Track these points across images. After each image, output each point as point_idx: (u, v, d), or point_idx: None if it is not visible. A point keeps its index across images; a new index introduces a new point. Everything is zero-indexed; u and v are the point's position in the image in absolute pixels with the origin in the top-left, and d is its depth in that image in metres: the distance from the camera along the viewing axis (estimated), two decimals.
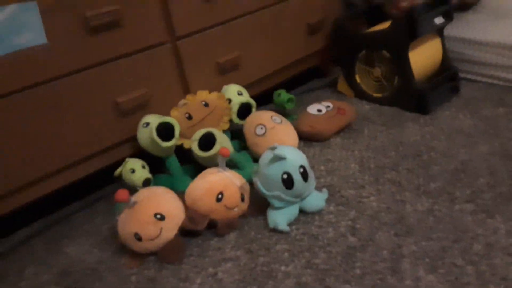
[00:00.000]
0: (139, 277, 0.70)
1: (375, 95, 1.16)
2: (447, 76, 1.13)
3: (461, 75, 1.18)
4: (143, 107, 0.90)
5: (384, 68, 1.12)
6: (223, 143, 0.85)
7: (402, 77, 1.08)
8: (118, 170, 0.84)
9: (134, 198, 0.72)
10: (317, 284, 0.64)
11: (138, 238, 0.70)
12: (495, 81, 1.15)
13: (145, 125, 0.87)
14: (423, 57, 1.10)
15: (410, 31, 1.03)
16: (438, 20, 1.09)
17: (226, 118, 0.94)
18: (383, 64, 1.12)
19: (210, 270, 0.69)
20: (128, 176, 0.82)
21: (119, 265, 0.73)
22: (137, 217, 0.70)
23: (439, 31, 1.15)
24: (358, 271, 0.65)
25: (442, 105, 1.10)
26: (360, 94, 1.20)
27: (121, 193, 0.68)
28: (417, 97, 1.07)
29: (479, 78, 1.18)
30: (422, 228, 0.71)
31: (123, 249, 0.75)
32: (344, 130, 1.06)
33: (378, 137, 1.01)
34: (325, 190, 0.83)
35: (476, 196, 0.77)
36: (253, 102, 0.98)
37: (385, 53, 1.09)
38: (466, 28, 1.20)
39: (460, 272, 0.62)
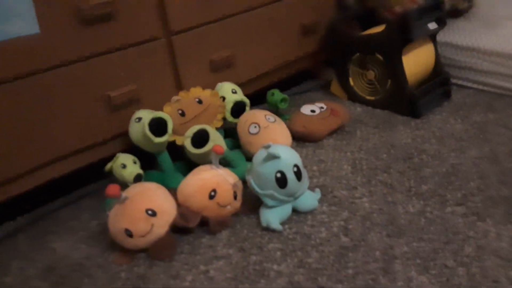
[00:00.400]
0: (128, 274, 0.69)
1: (367, 97, 1.17)
2: (439, 81, 1.14)
3: (453, 80, 1.20)
4: (135, 102, 0.89)
5: (377, 71, 1.13)
6: (217, 140, 0.84)
7: (395, 80, 1.09)
8: (109, 165, 0.82)
9: (125, 193, 0.70)
10: (309, 283, 0.63)
11: (129, 234, 0.68)
12: (486, 88, 1.17)
13: (137, 120, 0.85)
14: (416, 61, 1.11)
15: (404, 35, 1.04)
16: (432, 26, 1.11)
17: (219, 116, 0.93)
18: (376, 67, 1.12)
19: (202, 267, 0.68)
20: (119, 172, 0.80)
21: (108, 262, 0.72)
22: (128, 213, 0.68)
23: (432, 37, 1.16)
24: (350, 271, 0.65)
25: (434, 109, 1.11)
26: (353, 97, 1.21)
27: (112, 188, 0.66)
28: (409, 101, 1.08)
29: (470, 84, 1.20)
30: (414, 230, 0.72)
31: (113, 246, 0.73)
32: (337, 131, 1.06)
33: (371, 139, 1.01)
34: (318, 190, 0.83)
35: (466, 199, 0.78)
36: (247, 101, 0.97)
37: (379, 56, 1.10)
38: (458, 34, 1.22)
39: (452, 274, 0.62)
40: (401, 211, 0.76)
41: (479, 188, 0.80)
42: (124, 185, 0.76)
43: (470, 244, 0.68)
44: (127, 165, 0.80)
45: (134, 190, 0.72)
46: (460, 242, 0.68)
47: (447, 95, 1.16)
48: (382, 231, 0.72)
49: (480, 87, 1.18)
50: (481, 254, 0.65)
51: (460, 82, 1.21)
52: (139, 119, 0.85)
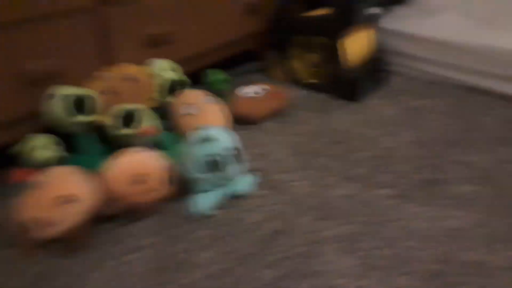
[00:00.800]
0: (38, 267, 0.63)
1: (309, 81, 1.16)
2: (377, 66, 1.16)
3: (391, 66, 1.22)
4: (57, 78, 0.80)
5: (320, 54, 1.12)
6: (148, 121, 0.79)
7: (336, 64, 1.09)
8: (19, 147, 0.74)
9: (36, 179, 0.63)
10: (237, 269, 0.61)
11: (38, 223, 0.62)
12: (422, 74, 1.21)
13: (56, 97, 0.77)
14: (357, 46, 1.12)
15: (347, 19, 1.03)
16: (374, 11, 1.12)
17: (152, 95, 0.87)
18: (319, 50, 1.11)
19: (123, 258, 0.64)
20: (30, 155, 0.73)
21: (14, 256, 0.65)
22: (38, 200, 0.62)
23: (374, 22, 1.17)
24: (279, 255, 0.64)
25: (372, 94, 1.13)
26: (295, 79, 1.19)
27: (19, 173, 0.59)
28: (349, 85, 1.09)
29: (407, 70, 1.23)
30: (344, 212, 0.72)
31: (20, 237, 0.66)
32: (277, 114, 1.04)
33: (310, 123, 1.01)
34: (254, 173, 0.81)
35: (396, 182, 0.79)
36: (186, 80, 0.92)
37: (322, 39, 1.08)
38: (399, 21, 1.24)
39: (378, 255, 0.63)
40: (334, 194, 0.77)
41: (408, 171, 0.82)
42: (37, 170, 0.68)
43: (396, 225, 0.69)
44: (40, 147, 0.73)
45: (47, 175, 0.65)
46: (387, 223, 0.69)
47: (385, 80, 1.19)
48: (314, 214, 0.72)
49: (417, 73, 1.22)
50: (406, 234, 0.67)
51: (398, 68, 1.24)
52: (59, 96, 0.77)
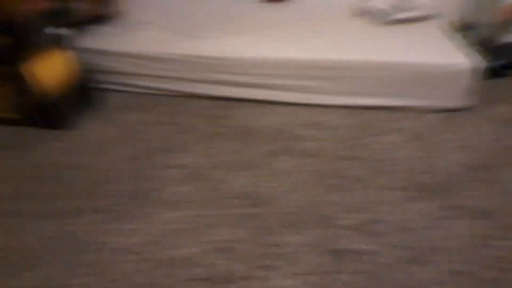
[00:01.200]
0: None
1: (4, 116, 0.98)
2: (85, 88, 1.09)
3: (103, 85, 1.17)
4: None
5: (7, 85, 0.95)
6: None
7: (30, 93, 0.95)
8: None
9: None
10: None
11: None
12: (133, 89, 1.21)
13: None
14: (51, 70, 1.01)
15: (23, 43, 0.91)
16: (62, 31, 1.04)
17: None
18: (4, 80, 0.95)
19: None
20: None
21: None
22: None
23: (67, 43, 1.09)
24: None
25: (84, 116, 1.05)
26: None
27: None
28: (49, 112, 0.98)
29: (120, 87, 1.21)
30: (42, 257, 0.62)
31: None
32: None
33: (8, 164, 0.84)
34: None
35: (108, 204, 0.75)
36: None
37: (2, 68, 0.93)
38: (104, 40, 1.20)
39: None
40: (31, 240, 0.66)
41: (115, 190, 0.79)
42: None
43: (106, 249, 0.65)
44: None
45: None
46: (96, 252, 0.65)
47: (97, 100, 1.13)
48: None
49: (131, 88, 1.22)
50: (116, 256, 0.64)
51: (111, 86, 1.21)
52: None
